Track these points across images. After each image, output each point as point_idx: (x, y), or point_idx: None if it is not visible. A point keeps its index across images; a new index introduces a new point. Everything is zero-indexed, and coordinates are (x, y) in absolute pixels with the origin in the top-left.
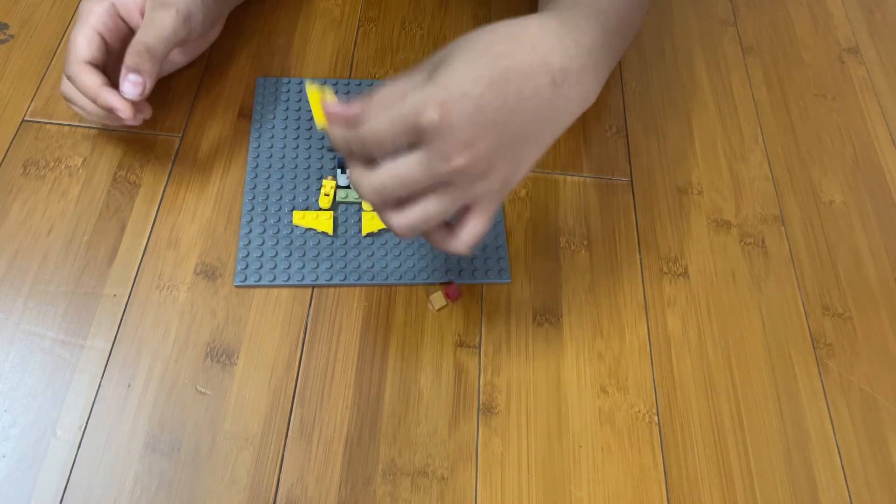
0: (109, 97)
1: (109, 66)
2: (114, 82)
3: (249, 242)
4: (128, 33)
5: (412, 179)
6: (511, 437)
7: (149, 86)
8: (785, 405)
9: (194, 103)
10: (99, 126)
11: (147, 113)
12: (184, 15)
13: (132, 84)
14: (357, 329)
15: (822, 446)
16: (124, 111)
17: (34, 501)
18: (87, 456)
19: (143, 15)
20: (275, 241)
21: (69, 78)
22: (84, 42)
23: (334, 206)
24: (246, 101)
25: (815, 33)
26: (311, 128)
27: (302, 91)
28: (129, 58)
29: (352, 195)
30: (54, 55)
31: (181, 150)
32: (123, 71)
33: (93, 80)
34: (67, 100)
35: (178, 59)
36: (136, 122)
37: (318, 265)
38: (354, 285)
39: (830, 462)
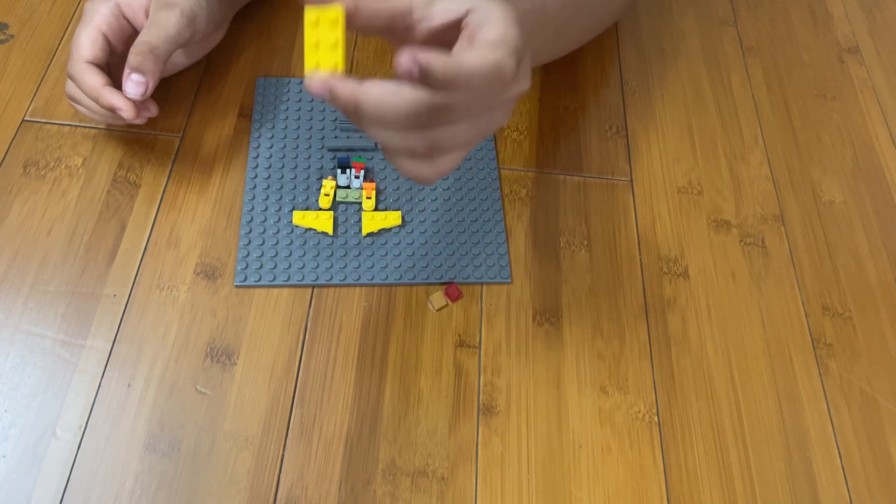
0: (111, 97)
1: (113, 66)
2: (117, 82)
3: (249, 242)
4: (132, 34)
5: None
6: (511, 437)
7: (151, 86)
8: (785, 405)
9: (194, 103)
10: (103, 125)
11: (153, 111)
12: (188, 16)
13: (135, 84)
14: (357, 329)
15: (822, 446)
16: (127, 111)
17: (34, 501)
18: (87, 456)
19: (147, 15)
20: (275, 241)
21: (71, 77)
22: (87, 42)
23: (334, 206)
24: (246, 101)
25: (815, 33)
26: (311, 128)
27: (302, 91)
28: (133, 58)
29: (352, 195)
30: (54, 55)
31: (181, 150)
32: (126, 70)
33: (95, 79)
34: (71, 99)
35: (181, 60)
36: (141, 121)
37: (318, 265)
38: (354, 285)
39: (830, 462)
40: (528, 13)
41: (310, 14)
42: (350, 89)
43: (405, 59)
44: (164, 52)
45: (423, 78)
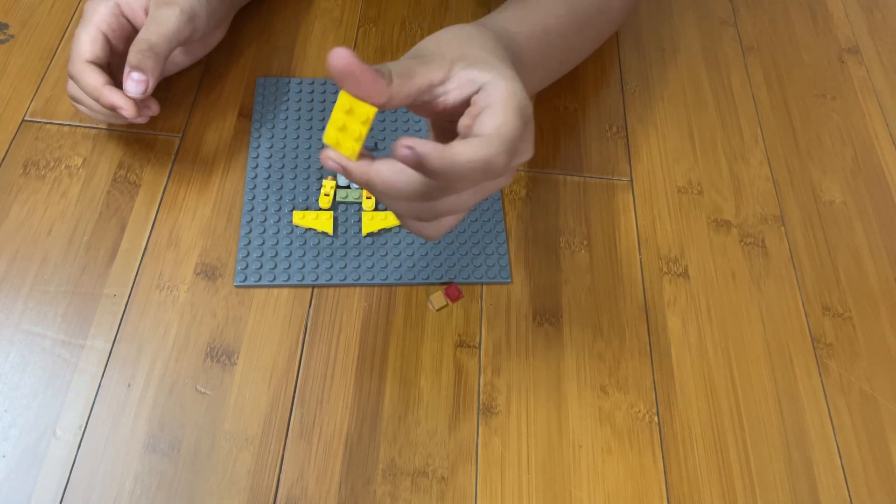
0: (112, 96)
1: (114, 65)
2: (118, 81)
3: (249, 242)
4: (132, 33)
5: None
6: (511, 437)
7: (152, 84)
8: (785, 405)
9: (194, 103)
10: (103, 125)
11: (154, 109)
12: (188, 14)
13: (135, 82)
14: (357, 329)
15: (822, 446)
16: (128, 110)
17: (34, 501)
18: (87, 456)
19: (147, 14)
20: (275, 241)
21: (72, 77)
22: (87, 41)
23: (334, 206)
24: (246, 101)
25: (815, 33)
26: (311, 128)
27: (302, 91)
28: (133, 56)
29: (352, 195)
30: (54, 55)
31: (181, 150)
32: (127, 69)
33: (95, 79)
34: (73, 99)
35: (182, 59)
36: (143, 120)
37: (318, 265)
38: (354, 285)
39: (830, 462)
40: (534, 64)
41: (344, 100)
42: (363, 169)
43: (404, 147)
44: (164, 49)
45: (418, 167)
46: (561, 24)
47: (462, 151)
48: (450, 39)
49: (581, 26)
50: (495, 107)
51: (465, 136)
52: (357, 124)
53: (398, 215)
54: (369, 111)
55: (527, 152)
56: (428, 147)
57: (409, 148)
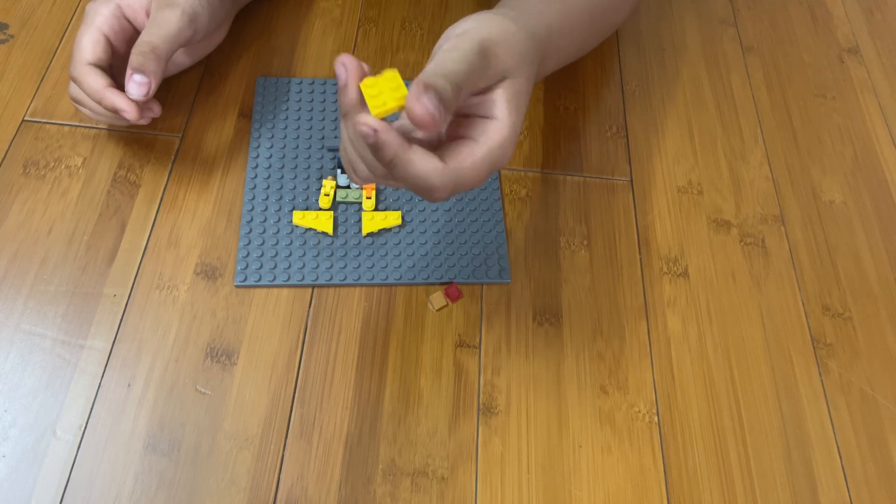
0: (115, 98)
1: (115, 66)
2: (120, 83)
3: (249, 242)
4: (133, 34)
5: None
6: (511, 437)
7: (154, 86)
8: (785, 405)
9: (194, 103)
10: (103, 125)
11: (156, 111)
12: (189, 15)
13: (137, 84)
14: (357, 329)
15: (822, 446)
16: (130, 112)
17: (34, 501)
18: (87, 456)
19: (148, 16)
20: (275, 241)
21: (74, 80)
22: (89, 44)
23: (334, 206)
24: (246, 101)
25: (815, 33)
26: (311, 128)
27: (302, 91)
28: (134, 58)
29: (352, 195)
30: (54, 55)
31: (181, 150)
32: (128, 71)
33: (97, 81)
34: (75, 101)
35: (183, 60)
36: (145, 122)
37: (318, 265)
38: (354, 285)
39: (830, 462)
40: (558, 54)
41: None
42: (354, 96)
43: (366, 125)
44: (166, 51)
45: (372, 148)
46: (581, 8)
47: (417, 163)
48: (520, 52)
49: (596, 14)
50: (477, 148)
51: (449, 139)
52: (392, 99)
53: (342, 144)
54: (402, 92)
55: (472, 188)
56: (391, 137)
57: (374, 131)
